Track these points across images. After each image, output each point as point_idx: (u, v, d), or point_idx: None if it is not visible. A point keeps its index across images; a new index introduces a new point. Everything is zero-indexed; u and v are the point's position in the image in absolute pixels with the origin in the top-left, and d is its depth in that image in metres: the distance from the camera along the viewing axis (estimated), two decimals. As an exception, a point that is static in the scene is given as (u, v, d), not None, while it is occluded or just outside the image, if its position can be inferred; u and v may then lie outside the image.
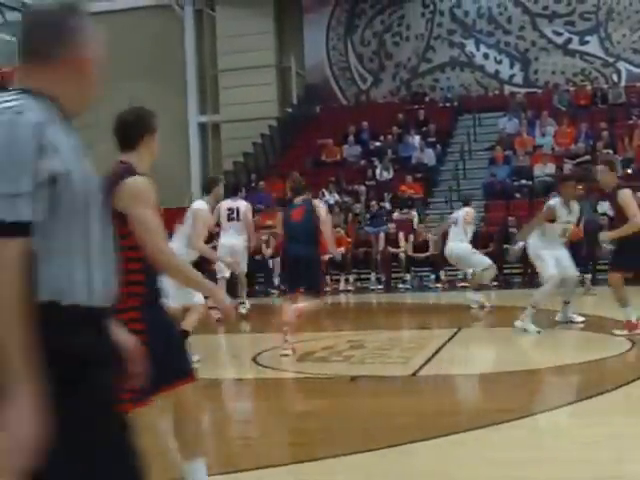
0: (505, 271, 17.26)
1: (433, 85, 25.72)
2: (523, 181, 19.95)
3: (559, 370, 7.82)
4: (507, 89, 25.01)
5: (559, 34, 24.77)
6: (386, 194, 20.60)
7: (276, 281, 17.90)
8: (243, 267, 13.05)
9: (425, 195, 20.93)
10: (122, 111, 4.09)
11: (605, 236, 10.20)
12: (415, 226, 18.45)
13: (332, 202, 20.37)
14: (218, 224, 12.68)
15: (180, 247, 8.11)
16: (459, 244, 12.98)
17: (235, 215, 12.71)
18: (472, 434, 5.55)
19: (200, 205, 9.06)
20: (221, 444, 5.80)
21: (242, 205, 12.85)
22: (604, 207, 18.06)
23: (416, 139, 22.60)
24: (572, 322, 10.41)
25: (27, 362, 1.93)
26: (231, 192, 13.54)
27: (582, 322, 10.42)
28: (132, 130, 4.01)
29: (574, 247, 10.98)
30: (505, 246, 15.85)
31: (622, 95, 22.97)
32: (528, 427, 5.73)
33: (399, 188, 20.51)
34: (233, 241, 12.61)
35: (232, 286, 13.91)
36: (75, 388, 2.02)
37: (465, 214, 13.10)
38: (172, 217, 22.31)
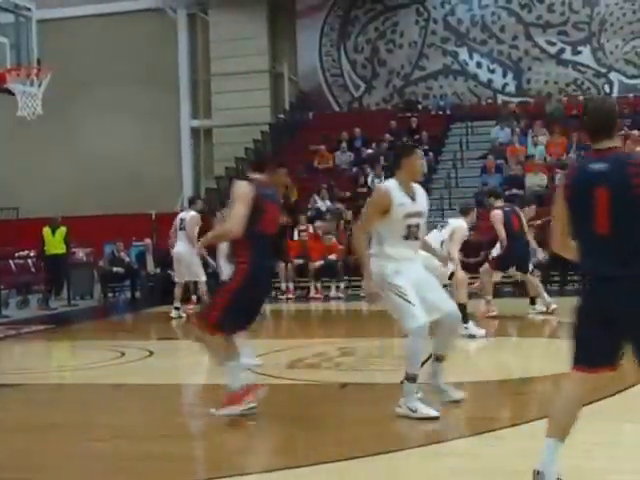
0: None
1: (426, 93, 25.75)
2: (515, 190, 19.93)
3: (551, 379, 7.82)
4: (500, 98, 25.07)
5: (552, 44, 24.83)
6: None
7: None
8: (196, 273, 14.11)
9: (417, 203, 20.90)
10: (594, 100, 4.42)
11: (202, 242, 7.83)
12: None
13: (324, 209, 20.36)
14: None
15: None
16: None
17: (184, 225, 14.08)
18: (462, 442, 5.54)
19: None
20: (211, 450, 5.78)
21: (188, 216, 14.19)
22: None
23: (408, 147, 22.58)
24: None
25: None
26: (188, 204, 15.53)
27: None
28: (613, 118, 4.21)
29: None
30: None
31: (614, 106, 23.00)
32: (518, 436, 5.72)
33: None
34: (180, 250, 14.06)
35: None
36: None
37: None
38: (164, 221, 22.31)
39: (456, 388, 6.73)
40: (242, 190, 6.38)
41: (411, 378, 6.28)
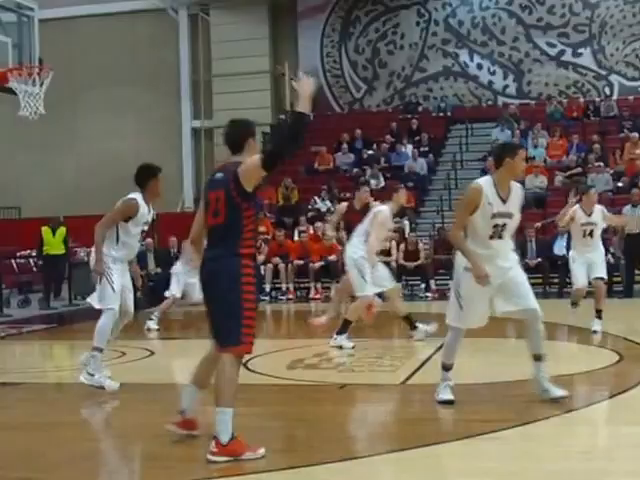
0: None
1: (427, 94, 25.78)
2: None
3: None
4: (500, 100, 25.10)
5: (553, 46, 24.86)
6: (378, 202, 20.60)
7: (267, 287, 17.92)
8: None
9: (416, 204, 20.96)
10: None
11: None
12: (406, 235, 18.48)
13: (324, 210, 20.39)
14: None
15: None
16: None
17: None
18: (459, 444, 5.58)
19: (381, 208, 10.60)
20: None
21: None
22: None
23: (409, 148, 22.66)
24: None
25: None
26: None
27: None
28: None
29: None
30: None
31: (614, 108, 23.06)
32: (516, 438, 5.75)
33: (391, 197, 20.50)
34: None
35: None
36: None
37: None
38: (165, 221, 22.38)
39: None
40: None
41: (444, 367, 6.81)
